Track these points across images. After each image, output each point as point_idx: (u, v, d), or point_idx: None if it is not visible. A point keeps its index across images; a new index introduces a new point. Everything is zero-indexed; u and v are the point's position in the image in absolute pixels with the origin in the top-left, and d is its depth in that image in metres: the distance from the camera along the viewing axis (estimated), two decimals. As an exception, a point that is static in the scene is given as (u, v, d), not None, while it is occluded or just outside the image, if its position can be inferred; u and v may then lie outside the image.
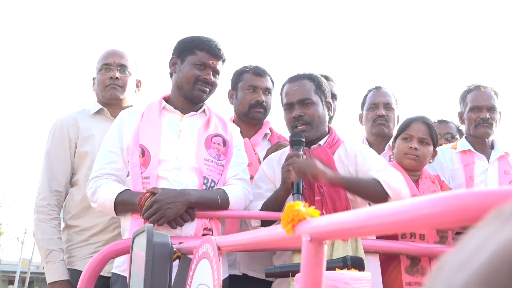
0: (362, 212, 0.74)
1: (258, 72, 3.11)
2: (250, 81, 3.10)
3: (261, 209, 2.50)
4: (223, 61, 2.63)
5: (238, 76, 3.16)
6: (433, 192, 2.70)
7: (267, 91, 3.10)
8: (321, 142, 2.62)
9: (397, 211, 0.66)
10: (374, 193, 2.38)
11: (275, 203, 2.46)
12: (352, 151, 2.57)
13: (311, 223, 0.87)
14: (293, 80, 2.69)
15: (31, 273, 43.91)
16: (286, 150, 2.66)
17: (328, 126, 2.72)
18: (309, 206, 2.48)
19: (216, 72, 2.58)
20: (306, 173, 2.32)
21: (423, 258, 2.51)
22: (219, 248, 1.35)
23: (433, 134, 2.82)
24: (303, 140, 2.50)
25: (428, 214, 0.61)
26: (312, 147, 2.60)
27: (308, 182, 2.44)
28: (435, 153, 2.87)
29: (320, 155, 2.53)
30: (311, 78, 2.68)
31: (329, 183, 2.34)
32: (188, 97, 2.57)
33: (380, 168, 2.48)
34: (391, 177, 2.41)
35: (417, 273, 2.48)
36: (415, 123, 2.84)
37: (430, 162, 2.90)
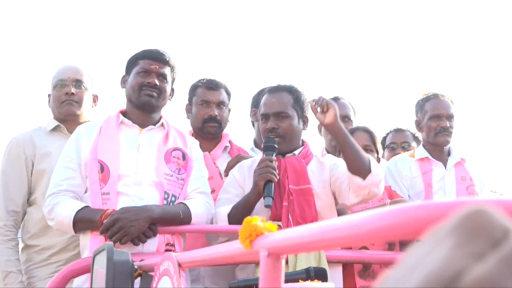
0: (318, 226, 0.74)
1: (210, 86, 3.09)
2: (202, 95, 3.08)
3: (230, 213, 2.47)
4: (171, 67, 2.62)
5: (192, 90, 3.15)
6: (380, 201, 2.82)
7: (221, 104, 3.09)
8: (296, 152, 2.64)
9: (351, 224, 0.67)
10: (362, 160, 2.42)
11: (245, 207, 2.45)
12: (328, 162, 2.63)
13: (268, 238, 0.87)
14: (272, 91, 2.69)
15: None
16: (258, 158, 2.66)
17: (302, 140, 2.74)
18: (277, 211, 2.51)
19: (162, 76, 2.56)
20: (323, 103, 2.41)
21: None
22: (179, 265, 1.34)
23: (375, 141, 2.97)
24: (276, 146, 2.52)
25: (381, 228, 0.62)
26: (286, 155, 2.61)
27: (278, 187, 2.46)
28: (378, 160, 2.98)
29: (294, 164, 2.56)
30: (290, 91, 2.68)
31: (333, 124, 2.41)
32: (138, 105, 2.55)
33: None
34: (378, 165, 2.53)
35: (368, 277, 2.61)
36: (357, 132, 2.97)
37: None
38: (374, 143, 2.94)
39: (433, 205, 0.58)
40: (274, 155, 2.49)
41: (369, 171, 2.40)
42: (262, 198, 2.38)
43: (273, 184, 2.39)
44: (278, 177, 2.43)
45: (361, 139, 2.91)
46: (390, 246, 2.70)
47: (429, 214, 0.58)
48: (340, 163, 2.60)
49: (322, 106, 2.41)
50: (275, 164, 2.44)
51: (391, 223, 0.61)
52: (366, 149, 2.89)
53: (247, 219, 0.94)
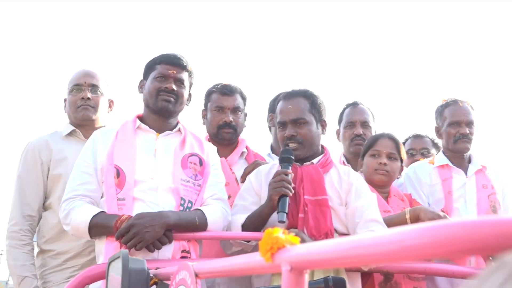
0: (344, 242, 0.71)
1: (225, 92, 3.08)
2: (217, 101, 3.07)
3: (245, 223, 2.44)
4: (189, 72, 2.61)
5: (207, 96, 3.14)
6: (402, 210, 2.73)
7: (236, 109, 3.07)
8: (314, 161, 2.58)
9: (381, 242, 0.63)
10: None
11: (259, 219, 2.42)
12: (347, 179, 2.53)
13: (291, 251, 0.83)
14: (287, 97, 2.63)
15: (7, 295, 43.09)
16: (276, 164, 2.62)
17: (322, 146, 2.68)
18: (292, 222, 2.42)
19: (179, 81, 2.56)
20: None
21: (397, 274, 2.52)
22: (196, 275, 1.31)
23: (400, 149, 2.91)
24: (293, 157, 2.47)
25: (412, 246, 0.59)
26: (304, 164, 2.55)
27: (293, 197, 2.40)
28: (401, 168, 2.94)
29: (311, 173, 2.50)
30: (306, 95, 2.62)
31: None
32: (155, 111, 2.54)
33: (371, 218, 2.43)
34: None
35: None
36: (382, 139, 2.92)
37: (398, 178, 2.94)
38: (399, 151, 2.89)
39: (470, 223, 0.55)
40: (290, 167, 2.43)
41: None
42: (276, 212, 2.33)
43: (287, 198, 2.33)
44: (293, 191, 2.37)
45: (385, 146, 2.87)
46: None
47: (465, 233, 0.54)
48: (359, 189, 2.51)
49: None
50: (290, 177, 2.39)
51: (424, 241, 0.57)
52: (390, 156, 2.85)
53: (268, 230, 0.90)
